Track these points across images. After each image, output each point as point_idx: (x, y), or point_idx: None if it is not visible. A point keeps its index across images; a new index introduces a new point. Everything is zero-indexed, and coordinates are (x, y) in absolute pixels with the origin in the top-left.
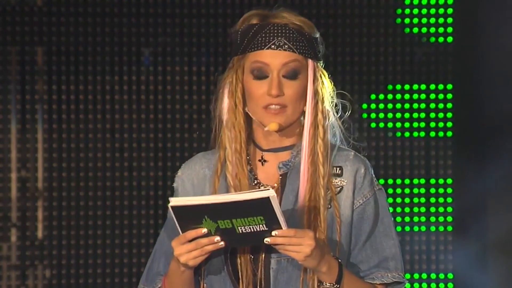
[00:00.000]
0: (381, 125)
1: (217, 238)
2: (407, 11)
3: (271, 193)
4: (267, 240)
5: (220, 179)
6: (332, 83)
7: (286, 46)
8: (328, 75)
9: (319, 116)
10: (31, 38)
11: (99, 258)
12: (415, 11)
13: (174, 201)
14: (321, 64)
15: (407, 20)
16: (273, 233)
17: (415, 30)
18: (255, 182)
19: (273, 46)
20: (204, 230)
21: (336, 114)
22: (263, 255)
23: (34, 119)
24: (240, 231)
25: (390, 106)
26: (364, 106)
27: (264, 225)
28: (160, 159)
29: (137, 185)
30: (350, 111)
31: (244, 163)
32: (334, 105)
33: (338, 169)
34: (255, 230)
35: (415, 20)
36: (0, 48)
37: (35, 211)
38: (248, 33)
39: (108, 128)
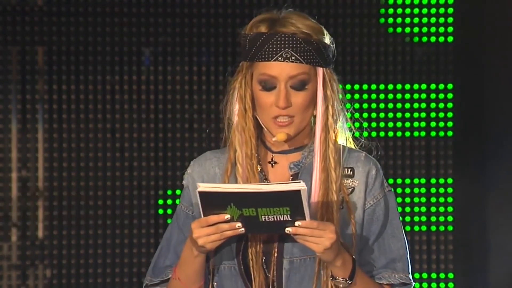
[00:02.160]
0: (382, 124)
1: (238, 224)
2: (408, 10)
3: (302, 186)
4: (288, 229)
5: (230, 180)
6: (342, 85)
7: (293, 58)
8: (338, 77)
9: (330, 120)
10: (31, 37)
11: (100, 257)
12: (416, 10)
13: (202, 187)
14: (332, 66)
15: (407, 20)
16: (296, 223)
17: (416, 29)
18: (266, 183)
19: (280, 58)
20: (227, 217)
21: (346, 115)
22: (276, 255)
23: (34, 118)
24: (263, 219)
25: (390, 105)
26: (365, 105)
27: (288, 215)
28: (160, 159)
29: (137, 185)
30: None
31: (255, 169)
32: (344, 106)
33: (349, 170)
34: (278, 219)
35: (416, 20)
36: (0, 48)
37: (35, 210)
38: (256, 42)
39: (108, 128)
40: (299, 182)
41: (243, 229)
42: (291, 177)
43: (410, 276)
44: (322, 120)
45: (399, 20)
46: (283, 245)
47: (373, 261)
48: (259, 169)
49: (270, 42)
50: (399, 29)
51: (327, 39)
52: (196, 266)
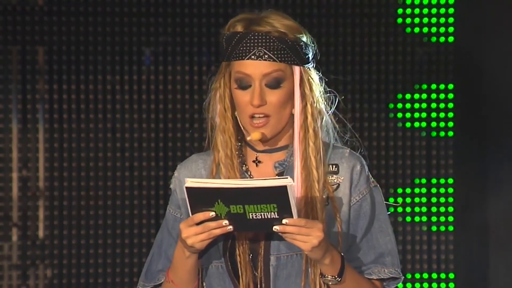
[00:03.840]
0: (382, 125)
1: (225, 221)
2: (408, 10)
3: (289, 182)
4: (276, 228)
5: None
6: (324, 83)
7: (266, 56)
8: (320, 74)
9: (309, 119)
10: (32, 37)
11: (100, 257)
12: (417, 10)
13: (190, 182)
14: (311, 65)
15: (408, 20)
16: (284, 221)
17: (417, 29)
18: (253, 179)
19: (253, 57)
20: (212, 214)
21: (329, 113)
22: (262, 253)
23: (35, 118)
24: (251, 217)
25: (391, 106)
26: (365, 105)
27: (275, 213)
28: (161, 158)
29: (137, 184)
30: (335, 107)
31: (236, 169)
32: (326, 104)
33: (334, 166)
34: (266, 217)
35: (417, 20)
36: (1, 48)
37: (36, 210)
38: (232, 41)
39: (109, 127)
40: (286, 178)
41: (231, 226)
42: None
43: (399, 270)
44: (300, 118)
45: (399, 20)
46: (270, 243)
47: (362, 257)
48: (244, 169)
49: (244, 40)
50: (400, 29)
51: (306, 38)
52: (188, 267)
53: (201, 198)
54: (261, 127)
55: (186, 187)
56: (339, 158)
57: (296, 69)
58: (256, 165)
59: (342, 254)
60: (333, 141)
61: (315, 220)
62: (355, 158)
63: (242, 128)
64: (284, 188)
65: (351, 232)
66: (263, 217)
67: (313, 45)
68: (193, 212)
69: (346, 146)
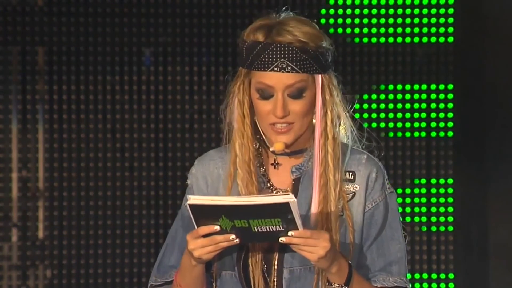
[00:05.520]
0: (382, 125)
1: (232, 236)
2: (408, 11)
3: (291, 199)
4: (282, 239)
5: (233, 182)
6: (341, 87)
7: (289, 68)
8: (338, 80)
9: (329, 126)
10: (32, 38)
11: (100, 258)
12: (416, 11)
13: (192, 200)
14: (332, 69)
15: (408, 20)
16: (290, 233)
17: (416, 29)
18: (268, 185)
19: (276, 69)
20: (217, 228)
21: (348, 116)
22: (276, 265)
23: (35, 119)
24: (256, 230)
25: (391, 106)
26: (365, 106)
27: (280, 226)
28: (161, 159)
29: (137, 185)
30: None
31: (253, 175)
32: (345, 107)
33: (350, 174)
34: (271, 230)
35: (416, 20)
36: (1, 48)
37: (36, 211)
38: (253, 50)
39: (108, 128)
40: (288, 194)
41: (237, 240)
42: (293, 182)
43: (405, 279)
44: (320, 126)
45: (399, 20)
46: (283, 255)
47: (371, 264)
48: (261, 172)
49: (266, 52)
50: (399, 29)
51: (326, 44)
52: (195, 273)
53: (205, 214)
54: (284, 133)
55: (189, 204)
56: (356, 165)
57: (318, 78)
58: (275, 167)
59: (350, 262)
60: (352, 143)
61: (322, 231)
62: (372, 164)
63: (262, 133)
64: (286, 204)
65: (362, 238)
66: (268, 229)
67: (331, 47)
68: (199, 225)
69: (363, 149)
